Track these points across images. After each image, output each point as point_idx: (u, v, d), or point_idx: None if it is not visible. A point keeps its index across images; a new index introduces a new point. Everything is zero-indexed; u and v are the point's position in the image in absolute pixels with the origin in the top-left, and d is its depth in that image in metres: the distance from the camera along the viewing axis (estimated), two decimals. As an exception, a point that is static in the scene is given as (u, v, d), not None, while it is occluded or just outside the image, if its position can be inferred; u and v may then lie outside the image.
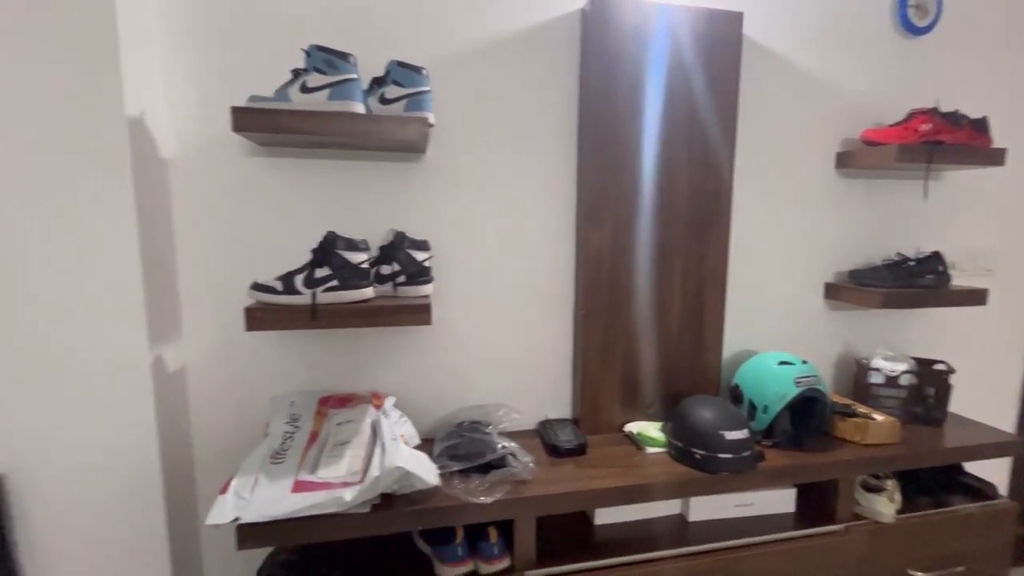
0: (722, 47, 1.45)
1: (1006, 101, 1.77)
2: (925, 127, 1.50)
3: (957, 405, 1.84)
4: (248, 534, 1.04)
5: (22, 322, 1.07)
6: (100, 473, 1.15)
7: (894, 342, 1.81)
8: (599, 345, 1.50)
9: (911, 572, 1.47)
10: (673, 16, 1.40)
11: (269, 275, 1.28)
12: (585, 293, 1.47)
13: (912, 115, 1.55)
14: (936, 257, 1.63)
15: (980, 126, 1.58)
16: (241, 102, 1.19)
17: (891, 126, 1.57)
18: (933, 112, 1.51)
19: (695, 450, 1.32)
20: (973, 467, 1.67)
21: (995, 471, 2.00)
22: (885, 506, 1.44)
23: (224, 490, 1.07)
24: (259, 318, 1.14)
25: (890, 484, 1.48)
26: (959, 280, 1.82)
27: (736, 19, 1.44)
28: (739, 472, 1.31)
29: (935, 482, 1.60)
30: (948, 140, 1.51)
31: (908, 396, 1.61)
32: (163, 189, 1.22)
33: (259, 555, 1.27)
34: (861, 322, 1.80)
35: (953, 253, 1.83)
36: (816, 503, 1.46)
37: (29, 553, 1.13)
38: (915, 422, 1.63)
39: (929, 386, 1.64)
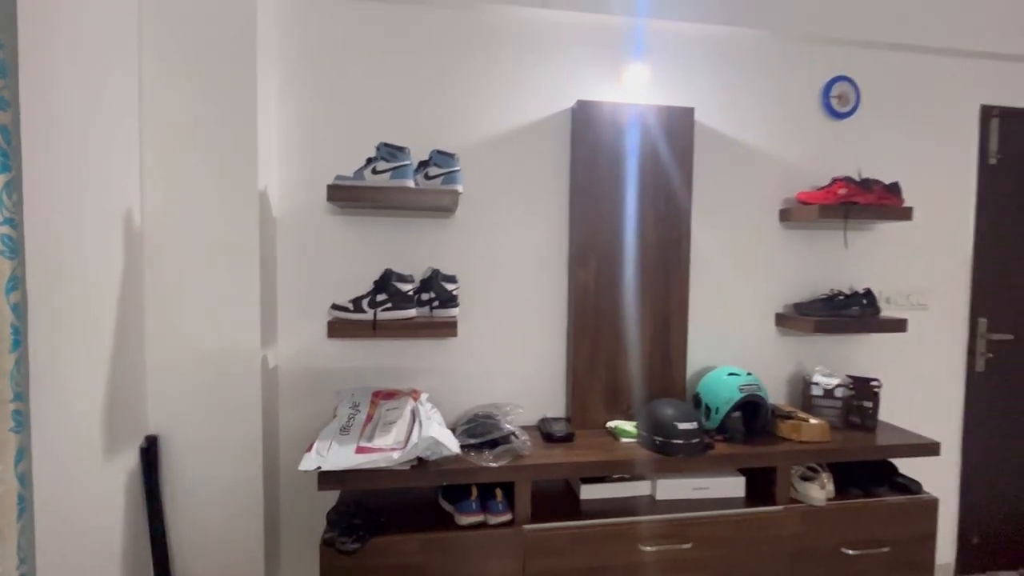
0: (678, 133, 1.92)
1: (915, 169, 2.18)
2: (843, 191, 1.92)
3: (902, 417, 2.15)
4: (326, 479, 1.49)
5: (180, 328, 1.57)
6: (219, 436, 1.61)
7: (840, 363, 2.17)
8: (586, 359, 1.93)
9: (843, 550, 1.79)
10: (639, 112, 1.89)
11: (343, 299, 1.77)
12: (575, 317, 1.91)
13: (834, 181, 1.97)
14: (863, 293, 2.02)
15: (893, 189, 1.99)
16: (328, 180, 1.70)
17: (818, 189, 2.00)
18: (849, 179, 1.94)
19: (655, 437, 1.72)
20: (923, 471, 1.98)
21: (943, 476, 2.28)
22: (816, 492, 1.78)
23: (309, 449, 1.53)
24: (337, 328, 1.63)
25: (824, 475, 1.82)
26: (893, 312, 2.18)
27: (688, 113, 1.93)
28: (690, 455, 1.69)
29: (870, 478, 1.92)
30: (861, 201, 1.92)
31: (843, 406, 1.97)
32: (272, 238, 1.75)
33: (324, 504, 1.69)
34: (813, 346, 2.17)
35: (889, 291, 2.21)
36: (761, 489, 1.82)
37: (170, 491, 1.59)
38: (852, 428, 1.97)
39: (864, 399, 1.99)
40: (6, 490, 0.93)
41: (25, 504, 0.97)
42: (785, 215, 2.08)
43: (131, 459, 1.51)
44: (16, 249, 0.94)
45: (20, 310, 0.96)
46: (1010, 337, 2.29)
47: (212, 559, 1.61)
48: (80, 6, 1.26)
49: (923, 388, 2.26)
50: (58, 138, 1.17)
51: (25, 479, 0.97)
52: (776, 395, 2.14)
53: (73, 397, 1.24)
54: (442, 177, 1.71)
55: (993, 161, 2.25)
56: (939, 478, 2.27)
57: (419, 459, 1.57)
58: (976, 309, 2.27)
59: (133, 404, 1.50)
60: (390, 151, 1.64)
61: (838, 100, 2.09)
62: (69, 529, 1.21)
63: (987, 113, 2.23)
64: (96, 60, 1.32)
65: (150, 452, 1.56)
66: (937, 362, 2.27)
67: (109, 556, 1.40)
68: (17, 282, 0.94)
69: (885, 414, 2.14)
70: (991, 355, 2.29)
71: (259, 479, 1.64)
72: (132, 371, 1.49)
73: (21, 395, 0.95)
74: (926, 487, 1.90)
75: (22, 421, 0.95)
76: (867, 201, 1.93)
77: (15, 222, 0.94)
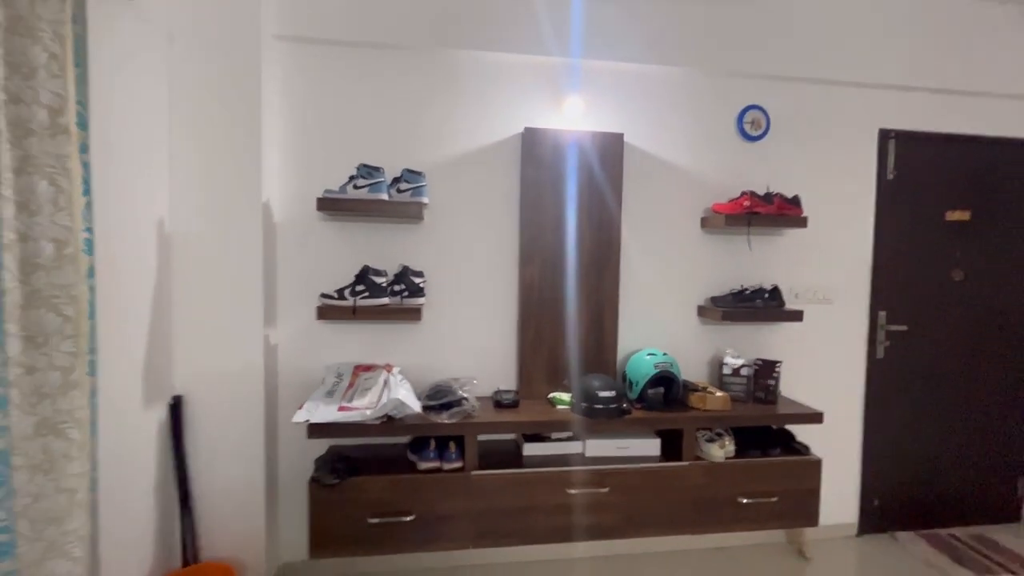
0: (610, 154, 2.31)
1: (820, 183, 2.55)
2: (747, 203, 2.30)
3: (810, 396, 2.50)
4: (315, 430, 1.89)
5: (199, 310, 1.98)
6: (230, 397, 2.02)
7: (756, 348, 2.54)
8: (531, 342, 2.33)
9: (739, 499, 2.17)
10: (576, 137, 2.28)
11: (330, 288, 2.17)
12: (522, 307, 2.31)
13: (742, 194, 2.35)
14: (769, 289, 2.39)
15: (793, 201, 2.37)
16: (318, 194, 2.09)
17: (729, 201, 2.38)
18: (753, 193, 2.32)
19: (583, 403, 2.11)
20: (828, 443, 2.41)
21: (847, 448, 2.65)
22: (716, 451, 2.16)
23: (300, 407, 1.94)
24: (324, 312, 2.04)
25: (726, 438, 2.21)
26: (801, 306, 2.55)
27: (618, 137, 2.31)
28: (608, 418, 2.08)
29: (770, 443, 2.30)
30: (762, 211, 2.30)
31: (748, 383, 2.34)
32: (273, 240, 2.16)
33: (311, 454, 2.10)
34: (731, 334, 2.54)
35: (799, 287, 2.58)
36: (672, 449, 2.20)
37: (191, 439, 2.01)
38: (757, 401, 2.35)
39: (768, 378, 2.36)
40: (84, 415, 1.34)
41: (95, 428, 1.39)
42: (704, 222, 2.46)
43: (162, 412, 1.92)
44: (91, 248, 1.35)
45: (94, 291, 1.37)
46: (905, 328, 2.66)
47: (224, 493, 2.02)
48: (127, 77, 1.67)
49: (830, 371, 2.63)
50: (115, 170, 1.58)
51: (95, 410, 1.38)
52: (698, 374, 2.52)
53: (121, 355, 1.66)
54: (411, 191, 2.11)
55: (891, 176, 2.62)
56: (843, 450, 2.65)
57: (388, 417, 1.97)
58: (876, 303, 2.64)
59: (163, 368, 1.91)
60: (367, 170, 2.05)
61: (751, 125, 2.46)
62: (118, 454, 1.63)
63: (885, 135, 2.59)
64: (137, 111, 1.74)
65: (176, 408, 1.97)
66: (842, 349, 2.64)
67: (145, 483, 1.82)
68: (91, 271, 1.36)
69: (796, 393, 2.52)
70: (889, 343, 2.66)
71: (261, 432, 2.05)
72: (162, 342, 1.91)
73: (94, 350, 1.36)
74: (831, 458, 2.30)
75: (94, 368, 1.37)
76: (767, 211, 2.30)
77: (91, 230, 1.35)
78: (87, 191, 1.34)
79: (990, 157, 2.69)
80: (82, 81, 1.35)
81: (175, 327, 1.97)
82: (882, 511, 2.71)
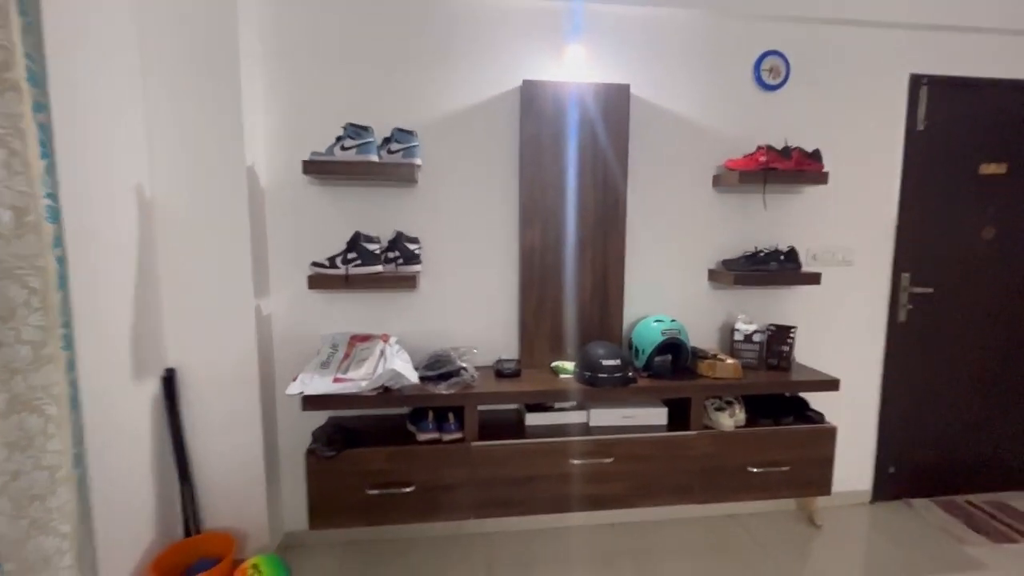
0: (615, 107, 2.15)
1: (844, 136, 2.36)
2: (763, 158, 2.14)
3: (828, 362, 2.41)
4: (309, 402, 1.84)
5: (187, 279, 1.91)
6: (224, 370, 1.97)
7: (770, 313, 2.42)
8: (534, 308, 2.23)
9: (749, 468, 2.11)
10: (580, 89, 2.12)
11: (321, 256, 2.08)
12: (524, 272, 2.21)
13: (757, 148, 2.19)
14: (785, 250, 2.26)
15: (813, 156, 2.20)
16: (306, 156, 1.98)
17: (744, 157, 2.22)
18: (770, 148, 2.15)
19: (586, 372, 2.03)
20: (845, 409, 2.34)
21: (864, 413, 2.56)
22: (725, 420, 2.08)
23: (295, 379, 1.88)
24: (315, 281, 1.96)
25: (736, 406, 2.12)
26: (820, 268, 2.41)
27: (624, 89, 2.15)
28: (613, 387, 2.00)
29: (783, 411, 2.22)
30: (780, 167, 2.14)
31: (761, 349, 2.24)
32: (261, 206, 2.06)
33: (312, 424, 2.06)
34: (745, 298, 2.42)
35: (817, 248, 2.44)
36: (680, 418, 2.13)
37: (187, 412, 1.97)
38: (770, 368, 2.25)
39: (782, 344, 2.26)
40: (61, 390, 1.29)
41: (76, 402, 1.34)
42: (716, 180, 2.31)
43: (154, 386, 1.88)
44: (56, 216, 1.27)
45: (63, 261, 1.30)
46: (930, 290, 2.51)
47: (224, 464, 2.00)
48: (92, 32, 1.55)
49: (848, 336, 2.51)
50: (82, 133, 1.48)
51: (75, 384, 1.33)
52: (708, 341, 2.42)
53: (104, 328, 1.60)
54: (402, 151, 1.98)
55: (921, 127, 2.42)
56: (860, 417, 2.56)
57: (385, 388, 1.91)
58: (899, 264, 2.49)
59: (153, 340, 1.86)
60: (355, 130, 1.92)
61: (769, 73, 2.27)
62: (109, 429, 1.59)
63: (916, 81, 2.38)
64: (108, 70, 1.62)
65: (170, 381, 1.93)
66: (862, 313, 2.51)
67: (141, 457, 1.80)
68: (59, 240, 1.28)
69: (812, 360, 2.42)
70: (911, 307, 2.52)
71: (257, 403, 2.01)
72: (151, 314, 1.85)
73: (67, 323, 1.30)
74: (847, 425, 2.20)
75: (69, 342, 1.31)
76: (785, 167, 2.14)
77: (55, 195, 1.26)
78: (46, 154, 1.24)
79: (1032, 104, 2.47)
80: (31, 32, 1.24)
81: (164, 298, 1.91)
82: (897, 478, 2.64)
